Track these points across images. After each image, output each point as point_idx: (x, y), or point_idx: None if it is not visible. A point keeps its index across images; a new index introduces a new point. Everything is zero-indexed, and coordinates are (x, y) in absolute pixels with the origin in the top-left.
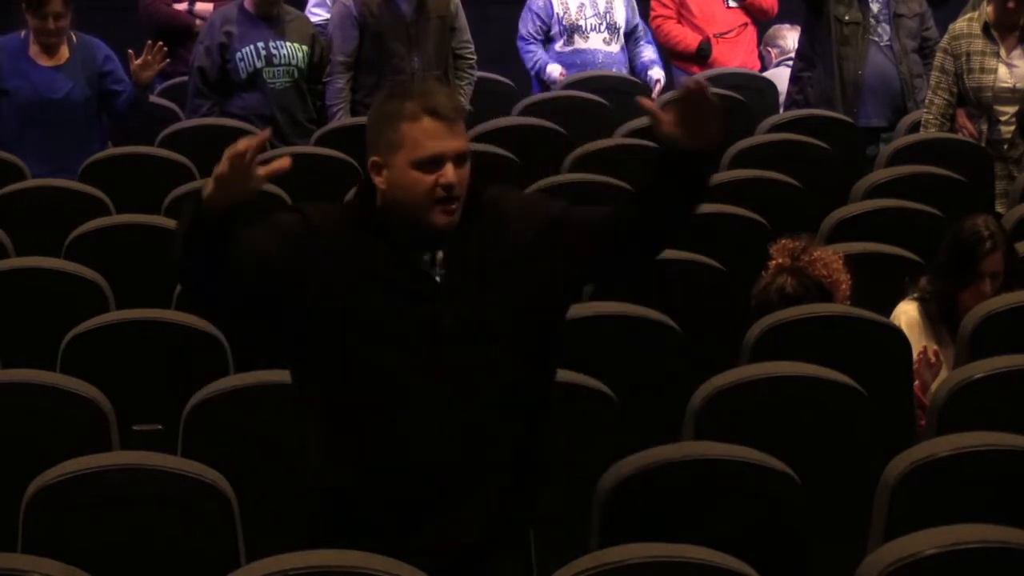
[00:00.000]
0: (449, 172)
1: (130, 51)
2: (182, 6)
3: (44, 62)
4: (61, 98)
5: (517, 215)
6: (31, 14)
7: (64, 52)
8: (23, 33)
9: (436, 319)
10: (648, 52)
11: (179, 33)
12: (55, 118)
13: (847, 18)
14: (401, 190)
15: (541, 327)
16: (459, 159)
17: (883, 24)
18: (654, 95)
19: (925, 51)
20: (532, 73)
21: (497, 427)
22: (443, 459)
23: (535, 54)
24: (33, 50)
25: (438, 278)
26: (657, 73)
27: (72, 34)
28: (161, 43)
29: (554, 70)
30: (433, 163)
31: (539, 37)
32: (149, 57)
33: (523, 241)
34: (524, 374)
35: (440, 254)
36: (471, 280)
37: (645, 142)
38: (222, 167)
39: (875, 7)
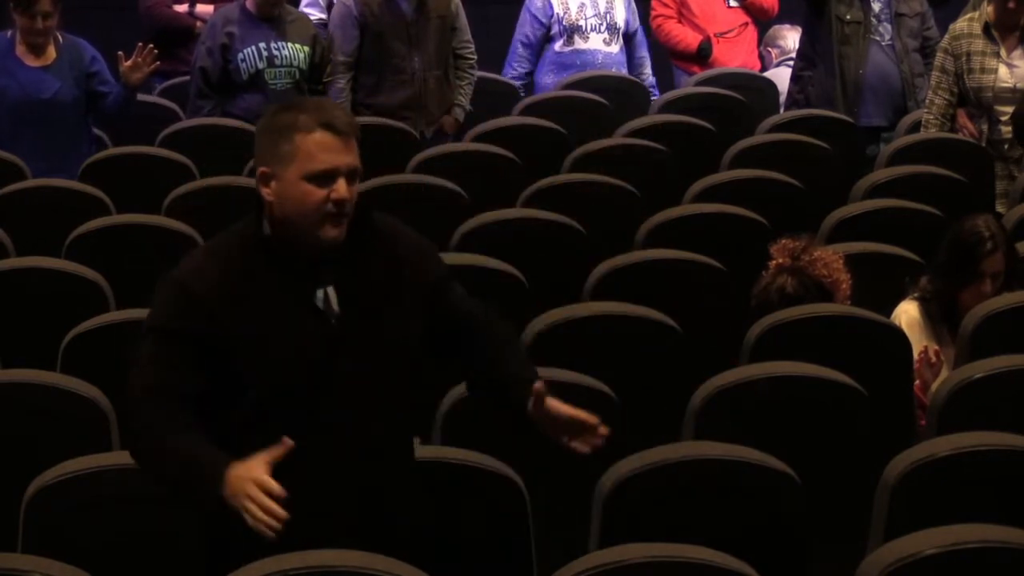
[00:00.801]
0: (341, 187)
1: (120, 53)
2: (183, 8)
3: (31, 62)
4: (49, 98)
5: (409, 255)
6: (19, 13)
7: (51, 52)
8: (9, 33)
9: (330, 356)
10: (646, 72)
11: (180, 34)
12: (45, 118)
13: (848, 17)
14: (291, 203)
15: (413, 359)
16: (351, 175)
17: (884, 23)
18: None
19: (926, 51)
20: (507, 77)
21: (387, 447)
22: (341, 482)
23: (517, 68)
24: (20, 50)
25: (333, 319)
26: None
27: (58, 35)
28: (152, 45)
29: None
30: (326, 177)
31: (534, 41)
32: (139, 59)
33: (407, 283)
34: (404, 396)
35: (331, 290)
36: (361, 316)
37: (644, 142)
38: (251, 506)
39: (876, 6)
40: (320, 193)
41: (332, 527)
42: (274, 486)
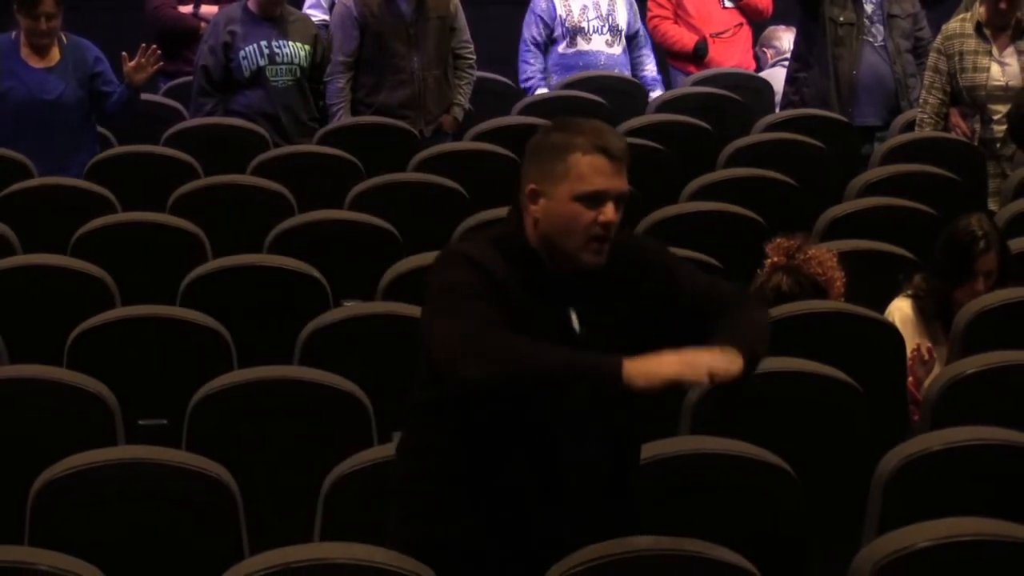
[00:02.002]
0: (610, 211)
1: (124, 53)
2: (187, 9)
3: (35, 63)
4: (54, 99)
5: (640, 266)
6: (23, 15)
7: (55, 53)
8: (13, 34)
9: None
10: (649, 67)
11: (184, 35)
12: (49, 119)
13: (842, 19)
14: (558, 221)
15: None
16: (620, 200)
17: (877, 25)
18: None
19: (918, 51)
20: (523, 86)
21: (615, 479)
22: (565, 506)
23: (531, 67)
24: (24, 51)
25: (577, 337)
26: (656, 94)
27: (62, 35)
28: (155, 46)
29: (542, 93)
30: (596, 199)
31: (542, 41)
32: (143, 59)
33: (642, 292)
34: (635, 426)
35: (575, 308)
36: (602, 338)
37: (642, 141)
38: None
39: (869, 8)
40: (589, 215)
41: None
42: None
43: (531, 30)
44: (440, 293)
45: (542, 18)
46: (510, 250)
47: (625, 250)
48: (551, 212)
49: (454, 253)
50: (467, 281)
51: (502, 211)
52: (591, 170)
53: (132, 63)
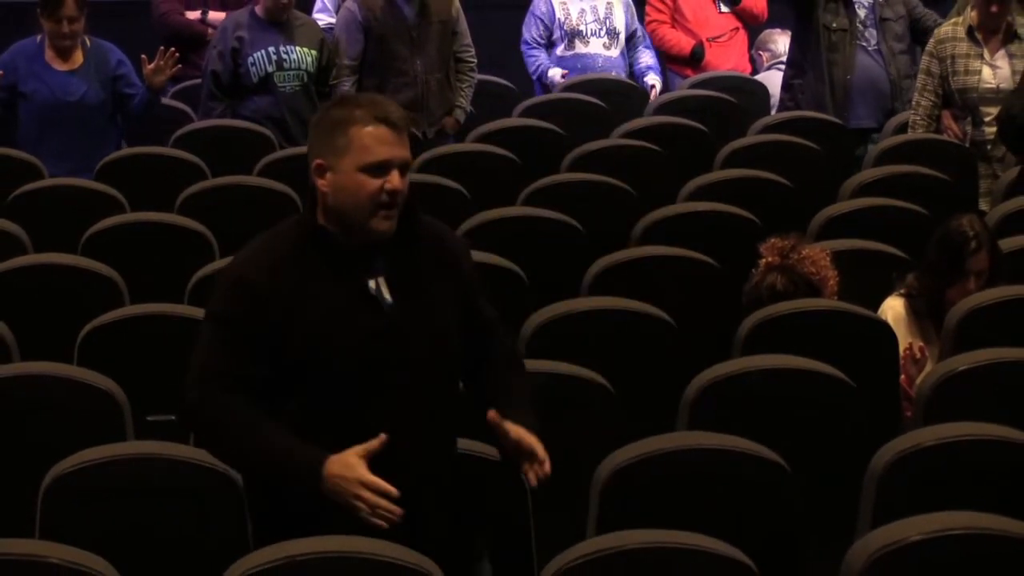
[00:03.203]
0: (395, 178)
1: (143, 56)
2: (195, 15)
3: (59, 66)
4: (76, 100)
5: (451, 249)
6: (46, 18)
7: (78, 56)
8: (39, 38)
9: (384, 345)
10: (646, 58)
11: (192, 41)
12: (71, 120)
13: (835, 25)
14: (345, 193)
15: (457, 351)
16: (404, 167)
17: (870, 29)
18: (651, 99)
19: (921, 30)
20: (534, 77)
21: (437, 437)
22: (392, 471)
23: (537, 59)
24: (48, 54)
25: (385, 308)
26: (652, 79)
27: (86, 39)
28: (173, 49)
29: (555, 73)
30: (380, 168)
31: (542, 42)
32: (161, 62)
33: (450, 275)
34: (452, 387)
35: (382, 280)
36: (411, 306)
37: (640, 143)
38: (362, 505)
39: (862, 13)
40: (375, 183)
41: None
42: (384, 486)
43: (531, 31)
44: (203, 322)
45: (542, 20)
46: (301, 234)
47: (436, 230)
48: (338, 185)
49: (225, 268)
50: (222, 306)
51: (504, 211)
52: (373, 140)
53: (151, 66)
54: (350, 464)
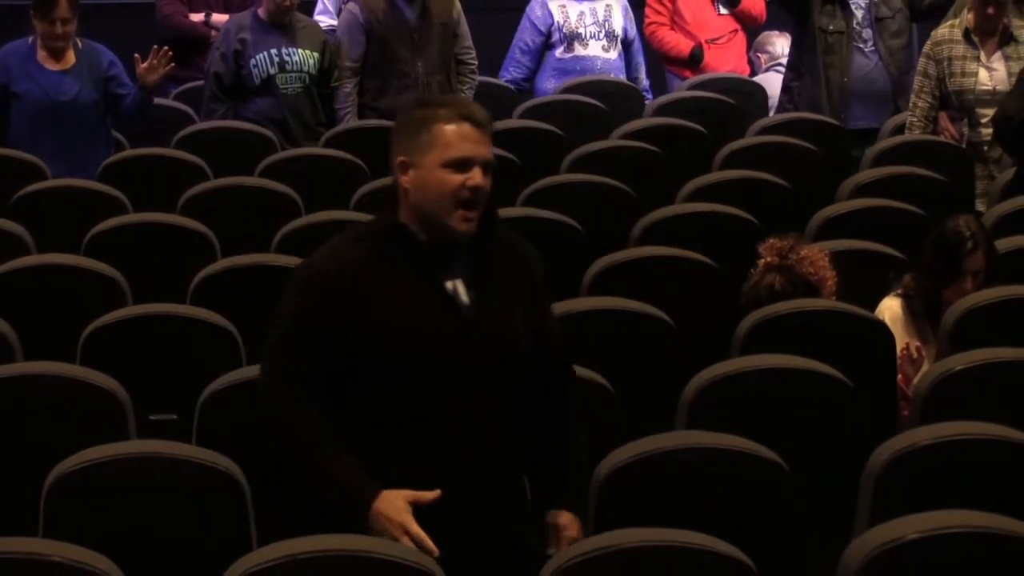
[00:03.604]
0: (477, 175)
1: (136, 55)
2: (199, 17)
3: (51, 66)
4: (69, 101)
5: (526, 255)
6: (39, 19)
7: (70, 57)
8: (31, 39)
9: (457, 344)
10: (640, 77)
11: (195, 43)
12: (64, 120)
13: (831, 28)
14: (427, 189)
15: (527, 356)
16: (486, 167)
17: (867, 29)
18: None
19: (924, 11)
20: (503, 80)
21: (505, 440)
22: (456, 475)
23: (510, 74)
24: (41, 55)
25: (461, 309)
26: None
27: (78, 40)
28: (167, 48)
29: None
30: (463, 164)
31: (533, 48)
32: (155, 61)
33: (525, 281)
34: (520, 391)
35: (460, 282)
36: (488, 308)
37: (639, 144)
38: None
39: (859, 14)
40: (457, 180)
41: (444, 518)
42: (424, 541)
43: (524, 36)
44: (276, 319)
45: (536, 25)
46: (380, 231)
47: (512, 236)
48: (420, 181)
49: (296, 271)
50: (295, 302)
51: (504, 211)
52: (456, 137)
53: (144, 64)
54: (398, 508)
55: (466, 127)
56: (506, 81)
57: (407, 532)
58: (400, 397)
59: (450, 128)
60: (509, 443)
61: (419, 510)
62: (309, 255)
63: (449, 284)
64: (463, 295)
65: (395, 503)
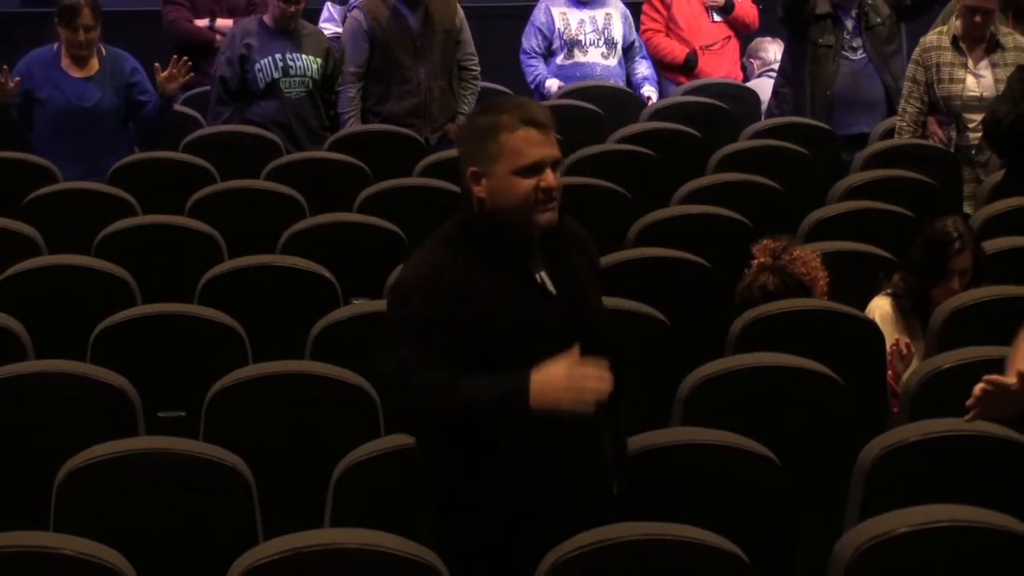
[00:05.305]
0: (549, 176)
1: (156, 64)
2: (203, 22)
3: (75, 73)
4: (91, 107)
5: (589, 245)
6: (63, 27)
7: (94, 64)
8: (55, 46)
9: (556, 333)
10: (643, 69)
11: (201, 48)
12: (86, 125)
13: (820, 41)
14: (503, 197)
15: (608, 334)
16: (555, 165)
17: (857, 38)
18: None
19: (910, 7)
20: (532, 87)
21: (601, 423)
22: (564, 457)
23: (536, 68)
24: (65, 62)
25: (552, 291)
26: (649, 91)
27: (101, 47)
28: (186, 58)
29: (552, 84)
30: (534, 169)
31: (540, 51)
32: (175, 70)
33: (594, 270)
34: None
35: (544, 275)
36: (573, 296)
37: (635, 147)
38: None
39: (849, 24)
40: (529, 184)
41: (559, 498)
42: (592, 366)
43: (530, 41)
44: (384, 334)
45: (541, 30)
46: (468, 236)
47: (572, 225)
48: (495, 190)
49: (395, 289)
50: (408, 312)
51: None
52: (524, 143)
53: (165, 73)
54: (551, 370)
55: (530, 131)
56: (536, 83)
57: (573, 371)
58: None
59: (516, 135)
60: (601, 429)
61: (518, 500)
62: (401, 268)
63: (537, 277)
64: (550, 286)
65: (546, 370)
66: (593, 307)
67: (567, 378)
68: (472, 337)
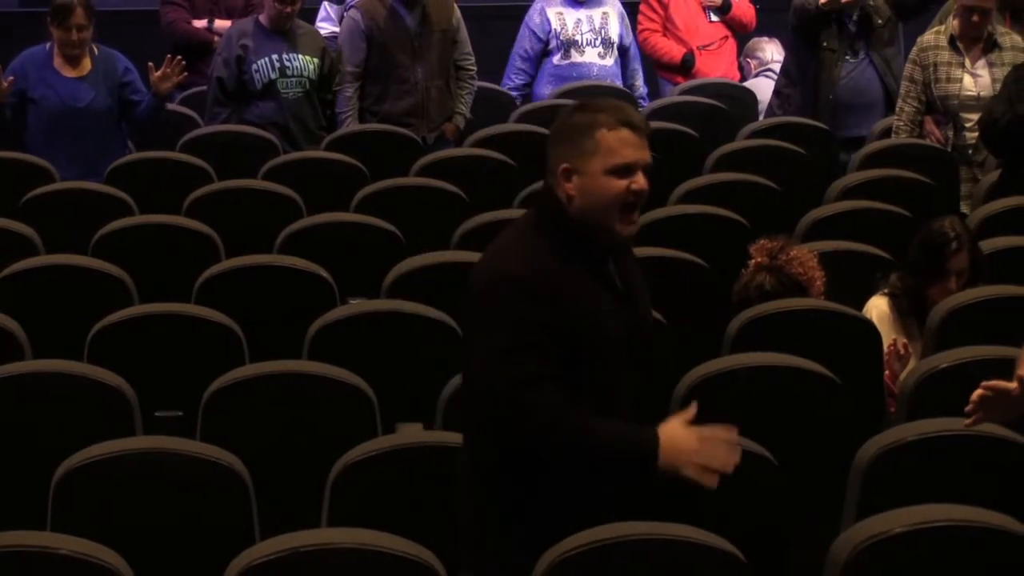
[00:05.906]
0: (640, 179)
1: (150, 64)
2: (201, 23)
3: (68, 73)
4: (84, 107)
5: (631, 248)
6: (55, 27)
7: (87, 63)
8: (48, 45)
9: (634, 334)
10: (638, 83)
11: (198, 48)
12: (80, 125)
13: (825, 44)
14: (593, 195)
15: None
16: (646, 169)
17: (860, 41)
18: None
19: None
20: (504, 88)
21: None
22: None
23: (512, 82)
24: (57, 61)
25: (621, 287)
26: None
27: (94, 46)
28: (180, 57)
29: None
30: (627, 170)
31: (532, 55)
32: (168, 70)
33: (640, 272)
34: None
35: (617, 279)
36: (636, 297)
37: None
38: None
39: (852, 28)
40: (621, 184)
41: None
42: (721, 431)
43: (523, 43)
44: (483, 331)
45: (535, 32)
46: (556, 231)
47: None
48: (586, 187)
49: (498, 281)
50: (515, 310)
51: (501, 213)
52: (619, 143)
53: (158, 73)
54: (679, 435)
55: (627, 132)
56: (509, 88)
57: (704, 439)
58: (595, 391)
59: (613, 135)
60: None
61: (575, 500)
62: (489, 261)
63: (617, 282)
64: (618, 282)
65: (676, 431)
66: (651, 315)
67: (698, 445)
68: (573, 338)
